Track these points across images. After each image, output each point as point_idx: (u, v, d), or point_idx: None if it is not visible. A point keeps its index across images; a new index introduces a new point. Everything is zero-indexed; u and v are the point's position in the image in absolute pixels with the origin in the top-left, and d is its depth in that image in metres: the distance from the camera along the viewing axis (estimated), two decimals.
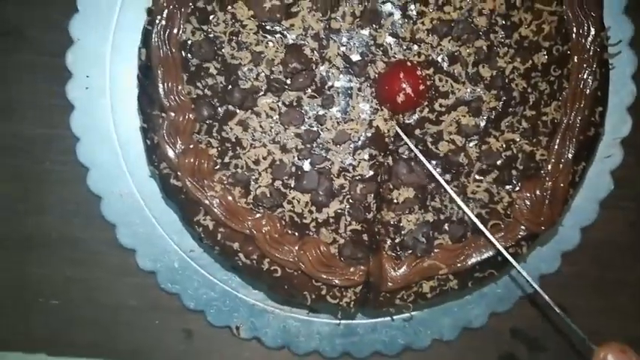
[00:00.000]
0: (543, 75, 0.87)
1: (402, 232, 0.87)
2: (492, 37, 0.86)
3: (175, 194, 0.87)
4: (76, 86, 1.03)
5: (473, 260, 0.87)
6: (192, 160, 0.85)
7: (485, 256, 0.88)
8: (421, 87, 0.83)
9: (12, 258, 1.07)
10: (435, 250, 0.87)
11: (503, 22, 0.86)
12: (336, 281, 0.85)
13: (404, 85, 0.81)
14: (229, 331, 1.06)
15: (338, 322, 0.98)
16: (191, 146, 0.86)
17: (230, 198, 0.86)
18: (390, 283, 0.87)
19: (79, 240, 1.06)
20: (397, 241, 0.87)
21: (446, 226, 0.88)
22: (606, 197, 1.05)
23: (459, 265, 0.87)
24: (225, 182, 0.86)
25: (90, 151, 1.03)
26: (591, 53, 0.86)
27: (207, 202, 0.85)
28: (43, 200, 1.07)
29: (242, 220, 0.85)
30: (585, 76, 0.86)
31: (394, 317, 1.01)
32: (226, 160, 0.86)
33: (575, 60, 0.87)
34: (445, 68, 0.86)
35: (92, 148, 1.03)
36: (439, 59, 0.86)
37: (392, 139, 0.87)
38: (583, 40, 0.86)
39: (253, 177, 0.86)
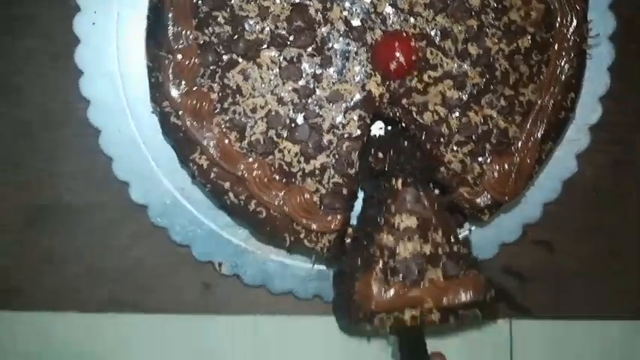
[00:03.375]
0: (525, 58, 0.94)
1: (397, 258, 0.89)
2: (483, 17, 0.92)
3: (174, 132, 0.93)
4: (84, 21, 1.07)
5: (461, 299, 0.89)
6: (193, 102, 0.91)
7: (474, 297, 0.89)
8: (413, 57, 0.89)
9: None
10: (425, 284, 0.89)
11: (495, 5, 0.92)
12: (314, 226, 0.93)
13: (397, 54, 0.88)
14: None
15: (311, 265, 1.06)
16: (194, 89, 0.91)
17: (226, 141, 0.92)
18: (374, 306, 0.88)
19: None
20: (390, 265, 0.89)
21: (442, 261, 0.90)
22: (570, 178, 1.14)
23: (444, 302, 0.89)
24: (223, 126, 0.92)
25: (92, 86, 1.08)
26: (571, 43, 0.94)
27: (204, 142, 0.92)
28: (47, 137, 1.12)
29: (235, 163, 0.92)
30: (562, 64, 0.94)
31: None
32: (225, 105, 0.92)
33: (556, 47, 0.94)
34: (437, 42, 0.93)
35: (95, 83, 1.08)
36: (432, 33, 0.92)
37: (383, 104, 0.94)
38: (565, 30, 0.93)
39: (249, 124, 0.92)
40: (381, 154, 0.98)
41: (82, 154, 1.13)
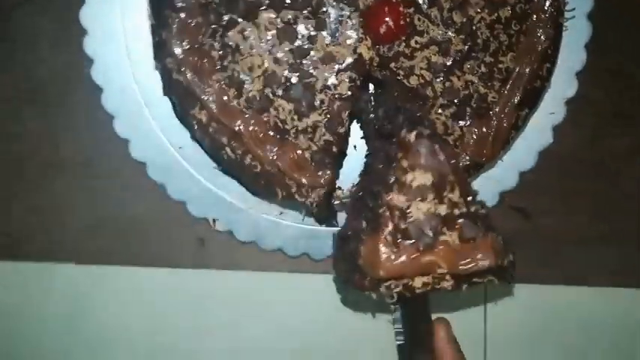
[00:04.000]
0: (505, 28, 1.01)
1: (408, 220, 0.81)
2: None
3: (176, 88, 0.99)
4: None
5: (478, 265, 0.81)
6: (195, 59, 0.97)
7: (492, 262, 0.81)
8: (401, 22, 0.96)
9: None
10: (439, 247, 0.81)
11: None
12: (304, 180, 0.99)
13: (387, 19, 0.95)
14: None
15: (301, 220, 1.13)
16: (196, 46, 0.97)
17: (225, 97, 0.98)
18: (382, 272, 0.80)
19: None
20: (400, 227, 0.80)
21: (459, 223, 0.82)
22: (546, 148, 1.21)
23: (460, 268, 0.80)
24: (222, 83, 0.98)
25: (96, 44, 1.13)
26: (548, 15, 1.01)
27: (204, 97, 0.98)
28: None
29: (233, 118, 0.98)
30: (539, 34, 1.01)
31: None
32: (225, 63, 0.98)
33: (534, 18, 1.01)
34: (424, 10, 0.99)
35: (98, 42, 1.13)
36: (420, 1, 0.99)
37: (373, 67, 1.01)
38: (543, 2, 1.00)
39: (247, 81, 0.98)
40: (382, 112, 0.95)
41: (84, 110, 1.17)
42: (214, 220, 1.21)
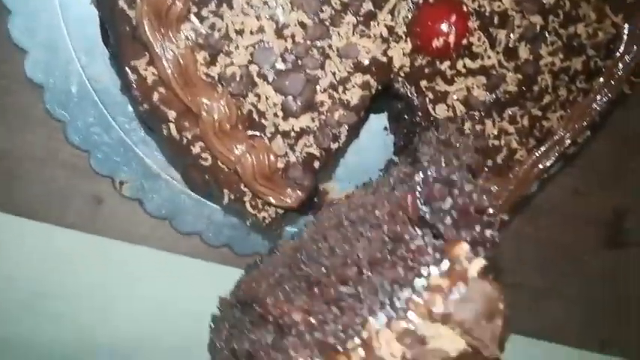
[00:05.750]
0: (570, 81, 0.80)
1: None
2: (550, 19, 0.75)
3: (120, 22, 0.65)
4: None
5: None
6: None
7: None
8: (464, 40, 0.69)
9: None
10: None
11: (568, 9, 0.75)
12: (271, 199, 0.74)
13: (449, 31, 0.68)
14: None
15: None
16: None
17: (190, 61, 0.66)
18: None
19: None
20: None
21: None
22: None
23: None
24: (192, 40, 0.66)
25: None
26: (616, 80, 0.81)
27: (158, 50, 0.66)
28: None
29: (194, 93, 0.68)
30: (599, 99, 0.82)
31: None
32: (204, 12, 0.66)
33: (601, 80, 0.81)
34: (490, 28, 0.74)
35: None
36: (491, 15, 0.73)
37: (398, 76, 0.74)
38: (619, 63, 0.80)
39: (228, 48, 0.67)
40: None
41: None
42: (121, 183, 0.92)
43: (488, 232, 0.55)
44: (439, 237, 0.56)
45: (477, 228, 0.55)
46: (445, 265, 0.54)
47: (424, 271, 0.54)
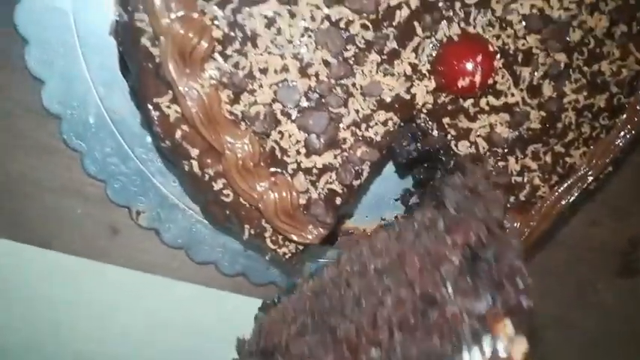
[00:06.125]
0: (593, 118, 0.80)
1: None
2: (575, 57, 0.75)
3: (142, 58, 0.65)
4: None
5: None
6: (189, 34, 0.62)
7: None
8: (489, 80, 0.69)
9: None
10: None
11: (592, 47, 0.74)
12: (293, 236, 0.73)
13: (475, 70, 0.67)
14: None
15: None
16: (194, 15, 0.62)
17: (214, 99, 0.66)
18: None
19: None
20: None
21: None
22: None
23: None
24: (217, 78, 0.65)
25: None
26: (639, 117, 0.80)
27: (183, 88, 0.65)
28: None
29: (218, 132, 0.67)
30: (622, 135, 0.81)
31: None
32: (229, 51, 0.65)
33: (624, 116, 0.80)
34: (514, 66, 0.73)
35: None
36: (515, 53, 0.72)
37: (420, 112, 0.74)
38: None
39: (252, 87, 0.67)
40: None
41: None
42: (138, 213, 0.91)
43: (523, 301, 0.53)
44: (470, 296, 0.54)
45: (512, 294, 0.53)
46: (487, 344, 0.51)
47: (464, 346, 0.52)
